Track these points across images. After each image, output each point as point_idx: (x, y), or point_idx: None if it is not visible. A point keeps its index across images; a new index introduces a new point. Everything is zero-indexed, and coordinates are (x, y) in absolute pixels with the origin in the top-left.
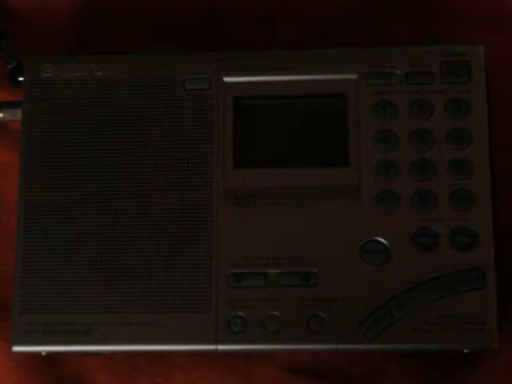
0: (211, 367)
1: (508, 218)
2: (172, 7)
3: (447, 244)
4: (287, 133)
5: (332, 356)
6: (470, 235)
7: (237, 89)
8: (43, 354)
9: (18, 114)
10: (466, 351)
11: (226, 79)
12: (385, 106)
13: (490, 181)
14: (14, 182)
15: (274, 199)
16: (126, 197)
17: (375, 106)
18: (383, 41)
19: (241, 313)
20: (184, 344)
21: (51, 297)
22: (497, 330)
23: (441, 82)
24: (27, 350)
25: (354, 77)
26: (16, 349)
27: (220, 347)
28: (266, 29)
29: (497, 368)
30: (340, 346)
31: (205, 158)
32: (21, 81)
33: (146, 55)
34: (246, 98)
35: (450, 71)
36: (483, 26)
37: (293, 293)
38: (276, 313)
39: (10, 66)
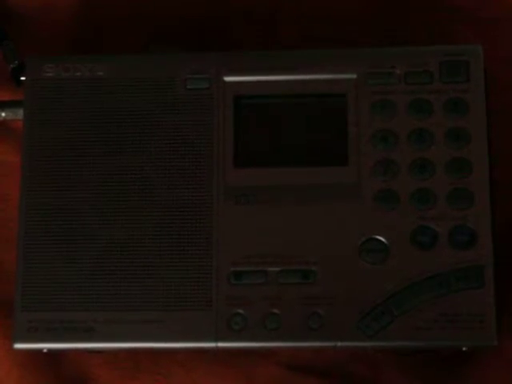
0: (212, 365)
1: (506, 217)
2: (172, 7)
3: (446, 242)
4: (287, 132)
5: (332, 354)
6: (468, 234)
7: (237, 88)
8: (44, 351)
9: (19, 113)
10: (464, 349)
11: (227, 79)
12: (384, 106)
13: (489, 180)
14: (15, 180)
15: (273, 198)
16: (127, 195)
17: (374, 106)
18: (382, 41)
19: (241, 310)
20: (185, 341)
21: (53, 294)
22: (495, 328)
23: (440, 82)
24: (28, 348)
25: (354, 76)
26: (17, 346)
27: (220, 345)
28: (266, 29)
29: (495, 365)
30: (339, 344)
31: (205, 157)
32: (22, 80)
33: (146, 55)
34: (247, 98)
35: (448, 71)
36: (481, 26)
37: (292, 291)
38: (276, 310)
39: (12, 66)
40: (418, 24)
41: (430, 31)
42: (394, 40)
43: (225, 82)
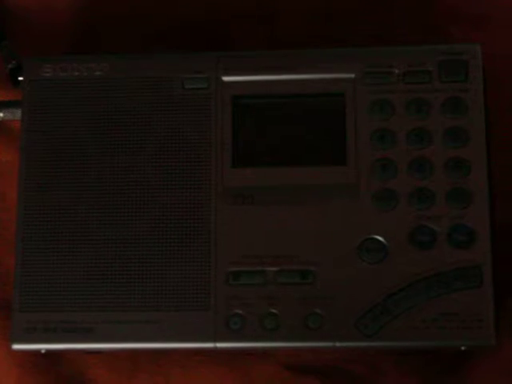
0: (210, 365)
1: (505, 216)
2: (172, 7)
3: (445, 242)
4: (285, 132)
5: (331, 354)
6: (467, 233)
7: (235, 88)
8: (43, 352)
9: (17, 113)
10: (463, 349)
11: (225, 78)
12: (382, 105)
13: (488, 179)
14: (13, 181)
15: (272, 198)
16: (125, 195)
17: (373, 105)
18: (380, 40)
19: (239, 311)
20: (183, 342)
21: (51, 295)
22: (494, 328)
23: (438, 81)
24: (27, 348)
25: (352, 76)
26: (16, 347)
27: (219, 345)
28: (264, 29)
29: (494, 365)
30: (338, 344)
31: (203, 157)
32: (20, 80)
33: (145, 55)
34: (245, 97)
35: (447, 70)
36: (476, 24)
37: (291, 291)
38: (274, 311)
39: (9, 66)
40: (414, 23)
41: (426, 31)
42: (391, 39)
43: (223, 82)
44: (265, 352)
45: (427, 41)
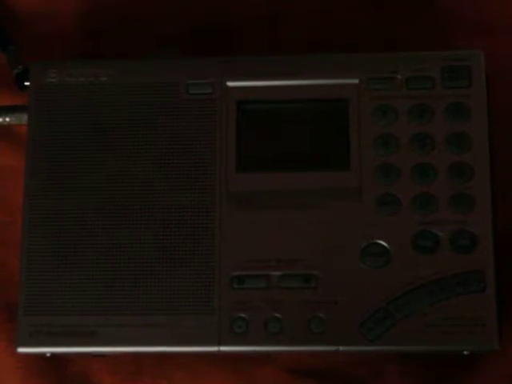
0: (214, 368)
1: (508, 221)
2: (175, 12)
3: (447, 247)
4: (289, 137)
5: (333, 357)
6: (470, 238)
7: (240, 93)
8: (48, 355)
9: (23, 118)
10: (466, 353)
11: (229, 83)
12: (386, 111)
13: (490, 184)
14: (19, 185)
15: (276, 202)
16: (130, 200)
17: (376, 111)
18: (384, 46)
19: (243, 314)
20: (187, 345)
21: (55, 299)
22: (497, 332)
23: (441, 87)
24: (31, 352)
25: (356, 81)
26: (20, 350)
27: (223, 349)
28: (268, 34)
29: (497, 370)
30: (341, 348)
31: (208, 162)
32: (27, 85)
33: (149, 60)
34: (249, 103)
35: (450, 76)
36: (479, 32)
37: (294, 295)
38: (278, 314)
39: (16, 71)
40: (418, 30)
41: (430, 37)
42: (394, 45)
43: (227, 87)
44: (267, 355)
45: (430, 47)
